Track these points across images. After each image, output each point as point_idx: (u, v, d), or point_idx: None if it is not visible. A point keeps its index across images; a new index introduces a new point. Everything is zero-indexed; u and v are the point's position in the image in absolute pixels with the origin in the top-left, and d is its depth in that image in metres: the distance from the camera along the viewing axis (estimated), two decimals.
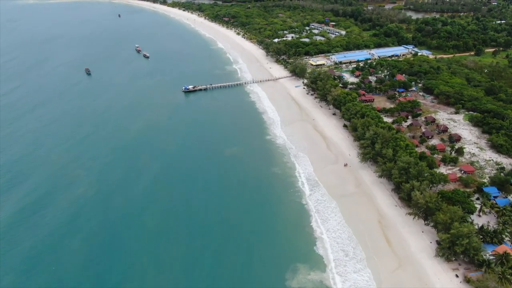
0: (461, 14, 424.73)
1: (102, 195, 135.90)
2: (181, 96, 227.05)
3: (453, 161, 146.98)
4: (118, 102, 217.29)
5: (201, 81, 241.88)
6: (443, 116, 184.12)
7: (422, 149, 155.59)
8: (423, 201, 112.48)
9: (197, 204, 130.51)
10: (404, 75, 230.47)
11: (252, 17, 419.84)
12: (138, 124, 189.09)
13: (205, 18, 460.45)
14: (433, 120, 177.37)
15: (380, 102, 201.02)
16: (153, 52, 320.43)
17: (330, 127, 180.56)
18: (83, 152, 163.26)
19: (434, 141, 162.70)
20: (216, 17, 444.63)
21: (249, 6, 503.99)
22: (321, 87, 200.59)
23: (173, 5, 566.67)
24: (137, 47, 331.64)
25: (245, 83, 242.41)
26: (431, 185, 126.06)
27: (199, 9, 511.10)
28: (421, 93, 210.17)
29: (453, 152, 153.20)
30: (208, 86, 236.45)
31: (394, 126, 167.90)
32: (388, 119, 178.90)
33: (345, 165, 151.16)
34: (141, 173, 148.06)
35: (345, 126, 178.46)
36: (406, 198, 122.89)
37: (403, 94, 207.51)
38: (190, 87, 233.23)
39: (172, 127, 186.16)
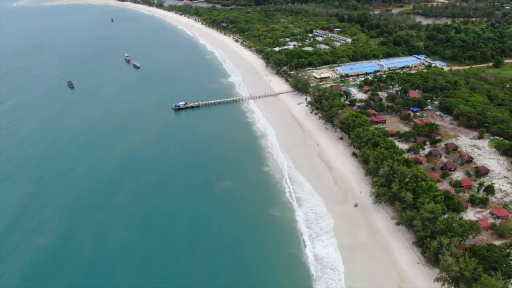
0: (473, 19, 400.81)
1: (68, 242, 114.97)
2: (171, 115, 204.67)
3: (483, 202, 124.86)
4: (99, 123, 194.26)
5: (194, 96, 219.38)
6: (465, 141, 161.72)
7: (444, 185, 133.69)
8: (457, 268, 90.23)
9: (178, 257, 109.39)
10: (418, 90, 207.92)
11: (252, 22, 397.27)
12: (120, 150, 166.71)
13: (202, 23, 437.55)
14: (455, 148, 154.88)
15: (393, 123, 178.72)
16: (144, 61, 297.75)
17: (337, 156, 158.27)
18: (52, 188, 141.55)
19: (458, 175, 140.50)
20: (213, 22, 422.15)
21: (249, 10, 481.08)
22: (326, 107, 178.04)
23: (170, 8, 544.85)
24: (127, 56, 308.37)
25: (242, 99, 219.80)
26: (461, 239, 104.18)
27: (196, 13, 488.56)
28: (438, 113, 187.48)
29: (481, 190, 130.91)
30: (201, 103, 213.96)
31: (411, 156, 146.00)
32: (402, 145, 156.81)
33: (355, 205, 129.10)
34: (117, 216, 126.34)
35: (354, 154, 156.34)
36: (433, 259, 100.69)
37: (418, 114, 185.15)
38: (181, 104, 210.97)
39: (157, 155, 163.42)
